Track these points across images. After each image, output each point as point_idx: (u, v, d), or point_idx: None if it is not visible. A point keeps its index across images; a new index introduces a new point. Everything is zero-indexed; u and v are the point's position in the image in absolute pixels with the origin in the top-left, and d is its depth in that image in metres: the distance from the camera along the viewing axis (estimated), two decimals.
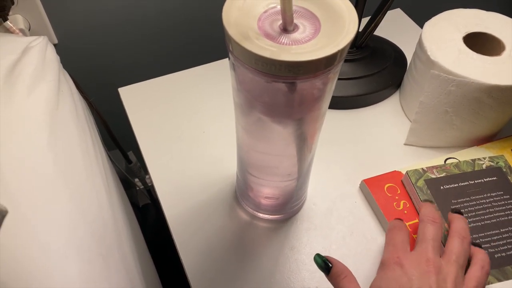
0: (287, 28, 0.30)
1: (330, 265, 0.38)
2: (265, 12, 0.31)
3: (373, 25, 0.58)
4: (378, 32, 0.64)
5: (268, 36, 0.30)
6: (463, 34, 0.52)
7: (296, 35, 0.30)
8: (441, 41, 0.51)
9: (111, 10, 0.66)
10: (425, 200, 0.45)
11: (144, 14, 0.69)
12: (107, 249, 0.42)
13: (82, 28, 0.67)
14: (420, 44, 0.53)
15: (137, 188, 0.84)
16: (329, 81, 0.33)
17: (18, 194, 0.37)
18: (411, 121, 0.58)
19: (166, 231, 0.70)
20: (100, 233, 0.43)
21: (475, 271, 0.37)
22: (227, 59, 0.64)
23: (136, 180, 0.83)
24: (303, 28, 0.31)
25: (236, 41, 0.28)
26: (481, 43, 0.52)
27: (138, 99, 0.60)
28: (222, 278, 0.44)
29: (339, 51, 0.29)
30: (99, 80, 0.74)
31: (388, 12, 0.59)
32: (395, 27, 0.71)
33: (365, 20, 0.59)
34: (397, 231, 0.40)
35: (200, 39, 0.76)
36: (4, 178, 0.37)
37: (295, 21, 0.31)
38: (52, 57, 0.50)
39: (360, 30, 0.60)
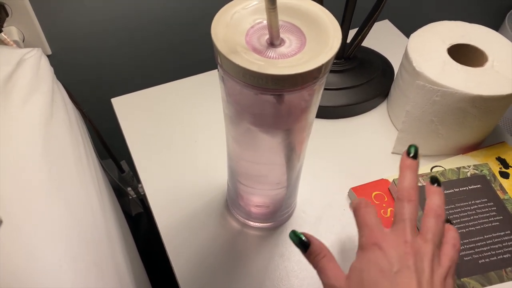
0: (273, 42, 0.31)
1: (308, 243, 0.37)
2: (252, 27, 0.32)
3: (360, 37, 0.59)
4: (366, 43, 0.66)
5: (255, 50, 0.31)
6: (448, 46, 0.53)
7: (282, 49, 0.32)
8: (426, 52, 0.53)
9: (104, 21, 0.67)
10: (410, 157, 0.41)
11: (137, 25, 0.70)
12: (101, 258, 0.43)
13: (76, 39, 0.68)
14: (406, 56, 0.54)
15: (130, 197, 0.85)
16: (314, 93, 0.34)
17: (13, 204, 0.37)
18: (398, 130, 0.59)
19: (158, 240, 0.71)
20: (94, 242, 0.44)
21: (447, 250, 0.36)
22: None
23: (129, 189, 0.83)
24: (289, 43, 0.32)
25: (225, 56, 0.30)
26: (465, 54, 0.54)
27: (131, 109, 0.61)
28: (213, 285, 0.45)
29: (323, 65, 0.30)
30: (93, 90, 0.75)
31: (376, 23, 0.61)
32: (383, 38, 0.73)
33: (353, 32, 0.60)
34: (366, 211, 0.38)
35: (192, 50, 0.77)
36: None
37: (281, 35, 0.32)
38: (45, 69, 0.51)
39: (348, 41, 0.62)
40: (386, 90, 0.62)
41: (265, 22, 0.32)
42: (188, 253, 0.47)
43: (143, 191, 0.63)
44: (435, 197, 0.38)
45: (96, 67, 0.73)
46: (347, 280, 0.35)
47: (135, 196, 0.84)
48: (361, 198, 0.40)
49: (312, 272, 0.46)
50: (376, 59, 0.65)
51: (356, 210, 0.39)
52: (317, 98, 0.36)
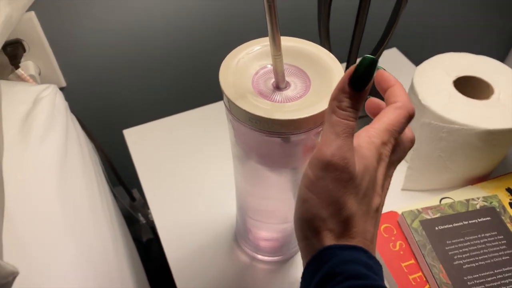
0: (279, 86, 0.32)
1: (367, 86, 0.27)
2: (257, 73, 0.33)
3: None
4: None
5: (262, 94, 0.32)
6: (453, 78, 0.54)
7: (288, 92, 0.33)
8: (432, 85, 0.53)
9: (117, 54, 0.69)
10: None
11: (149, 57, 0.72)
12: None
13: (89, 71, 0.70)
14: (412, 89, 0.55)
15: (141, 223, 0.85)
16: (321, 133, 0.35)
17: (30, 244, 0.38)
18: (406, 161, 0.59)
19: (169, 266, 0.70)
20: (106, 279, 0.44)
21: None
22: None
23: (140, 215, 0.84)
24: (295, 86, 0.33)
25: (233, 101, 0.31)
26: (471, 86, 0.54)
27: (142, 140, 0.62)
28: None
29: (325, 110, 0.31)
30: (105, 120, 0.76)
31: (384, 51, 0.62)
32: (391, 66, 0.72)
33: None
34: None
35: (203, 81, 0.78)
36: (16, 229, 0.38)
37: (286, 78, 0.33)
38: (60, 106, 0.52)
39: None
40: None
41: (269, 66, 0.33)
42: (198, 286, 0.48)
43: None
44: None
45: (108, 98, 0.75)
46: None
47: (145, 222, 0.84)
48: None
49: None
50: None
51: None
52: None
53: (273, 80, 0.33)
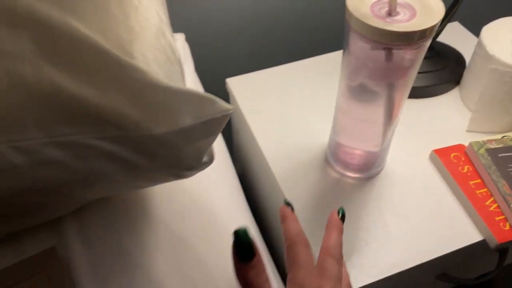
0: (391, 13, 0.43)
1: (253, 253, 0.32)
2: (376, 2, 0.44)
3: (438, 29, 0.70)
4: (441, 40, 0.76)
5: (377, 17, 0.43)
6: None
7: (397, 18, 0.43)
8: (497, 39, 0.63)
9: (222, 5, 0.78)
10: (286, 204, 0.42)
11: (255, 9, 0.80)
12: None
13: (197, 24, 0.78)
14: (479, 43, 0.64)
15: None
16: (417, 55, 0.45)
17: None
18: (470, 110, 0.68)
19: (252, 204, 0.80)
20: (233, 190, 0.57)
21: None
22: (328, 54, 0.76)
23: None
24: (403, 14, 0.43)
25: (355, 16, 0.42)
26: None
27: (242, 88, 0.73)
28: (319, 217, 0.56)
29: (428, 28, 0.41)
30: (205, 70, 0.86)
31: (448, 24, 0.71)
32: (454, 37, 0.82)
33: None
34: (300, 247, 0.36)
35: (306, 37, 0.87)
36: None
37: (397, 9, 0.43)
38: (188, 50, 0.65)
39: None
40: (458, 77, 0.72)
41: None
42: (299, 192, 0.59)
43: (240, 171, 0.73)
44: (333, 235, 0.38)
45: (213, 49, 0.85)
46: None
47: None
48: (296, 231, 0.37)
49: (403, 209, 0.56)
50: (450, 51, 0.76)
51: (290, 246, 0.36)
52: (418, 62, 0.47)
53: (387, 9, 0.43)
